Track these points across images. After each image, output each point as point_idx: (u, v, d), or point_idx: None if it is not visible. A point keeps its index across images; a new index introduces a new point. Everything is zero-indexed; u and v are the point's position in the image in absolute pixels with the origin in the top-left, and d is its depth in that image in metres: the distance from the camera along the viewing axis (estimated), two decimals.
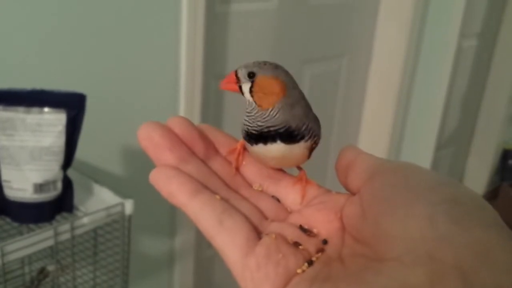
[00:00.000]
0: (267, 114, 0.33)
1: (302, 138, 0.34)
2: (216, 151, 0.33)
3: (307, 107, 0.35)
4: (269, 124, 0.33)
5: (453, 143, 2.26)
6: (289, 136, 0.33)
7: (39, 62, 0.98)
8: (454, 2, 1.80)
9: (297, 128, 0.33)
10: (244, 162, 0.34)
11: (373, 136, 1.96)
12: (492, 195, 2.36)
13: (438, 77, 1.89)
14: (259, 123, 0.33)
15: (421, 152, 2.01)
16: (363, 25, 1.80)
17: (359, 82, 1.90)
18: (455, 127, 2.20)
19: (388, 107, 1.89)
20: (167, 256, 1.37)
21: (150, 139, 0.29)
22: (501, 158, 2.45)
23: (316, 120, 0.35)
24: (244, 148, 0.34)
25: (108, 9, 1.04)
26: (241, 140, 0.35)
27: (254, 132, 0.33)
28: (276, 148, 0.33)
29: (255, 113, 0.34)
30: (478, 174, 2.40)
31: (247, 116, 0.34)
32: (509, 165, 2.44)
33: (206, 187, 0.29)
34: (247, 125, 0.34)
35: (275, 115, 0.33)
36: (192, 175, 0.29)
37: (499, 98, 2.27)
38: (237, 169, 0.33)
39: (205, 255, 1.53)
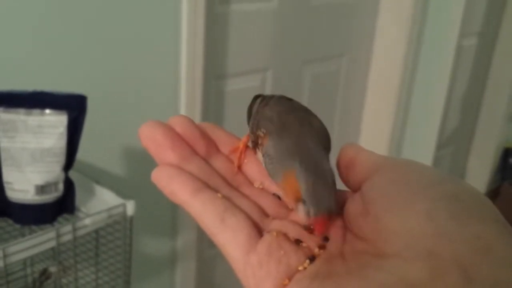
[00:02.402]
0: None
1: None
2: (218, 150, 0.33)
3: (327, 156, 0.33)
4: None
5: (454, 142, 2.26)
6: None
7: (39, 63, 0.98)
8: (454, 1, 1.80)
9: None
10: (245, 160, 0.34)
11: (373, 136, 1.96)
12: (493, 194, 2.36)
13: (438, 77, 1.89)
14: None
15: (421, 152, 2.01)
16: (363, 25, 1.80)
17: (359, 82, 1.90)
18: (455, 126, 2.20)
19: (388, 107, 1.89)
20: (169, 257, 1.37)
21: (151, 138, 0.30)
22: (502, 157, 2.45)
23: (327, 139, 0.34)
24: (246, 147, 0.34)
25: (108, 10, 1.04)
26: (244, 139, 0.35)
27: None
28: None
29: None
30: (479, 173, 2.40)
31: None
32: (510, 164, 2.44)
33: (207, 185, 0.29)
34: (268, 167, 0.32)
35: None
36: (193, 174, 0.29)
37: (499, 97, 2.27)
38: (239, 168, 0.33)
39: (207, 255, 1.53)
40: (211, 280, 1.61)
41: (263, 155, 0.33)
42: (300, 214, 0.29)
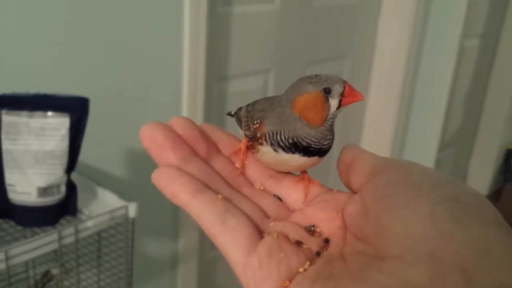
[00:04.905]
0: (327, 133, 0.33)
1: (327, 152, 0.34)
2: (218, 151, 0.33)
3: None
4: (323, 141, 0.33)
5: (456, 143, 2.26)
6: (324, 152, 0.34)
7: (42, 66, 0.98)
8: (457, 2, 1.80)
9: (331, 144, 0.34)
10: (246, 162, 0.34)
11: (375, 137, 1.96)
12: (495, 196, 2.36)
13: (441, 78, 1.89)
14: (317, 139, 0.33)
15: (424, 153, 2.01)
16: (365, 27, 1.80)
17: (361, 83, 1.90)
18: (457, 127, 2.20)
19: (391, 108, 1.89)
20: (171, 259, 1.37)
21: (152, 139, 0.30)
22: (504, 159, 2.44)
23: None
24: (247, 148, 0.34)
25: (110, 12, 1.04)
26: (244, 140, 0.35)
27: (304, 144, 0.33)
28: (303, 159, 0.33)
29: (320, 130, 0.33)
30: (481, 175, 2.40)
31: (310, 129, 0.33)
32: None
33: (208, 186, 0.29)
34: (302, 138, 0.33)
35: (329, 132, 0.34)
36: (194, 175, 0.29)
37: (501, 98, 2.27)
38: (242, 169, 0.33)
39: (208, 257, 1.53)
40: (212, 282, 1.60)
41: (268, 138, 0.33)
42: (335, 102, 0.33)
